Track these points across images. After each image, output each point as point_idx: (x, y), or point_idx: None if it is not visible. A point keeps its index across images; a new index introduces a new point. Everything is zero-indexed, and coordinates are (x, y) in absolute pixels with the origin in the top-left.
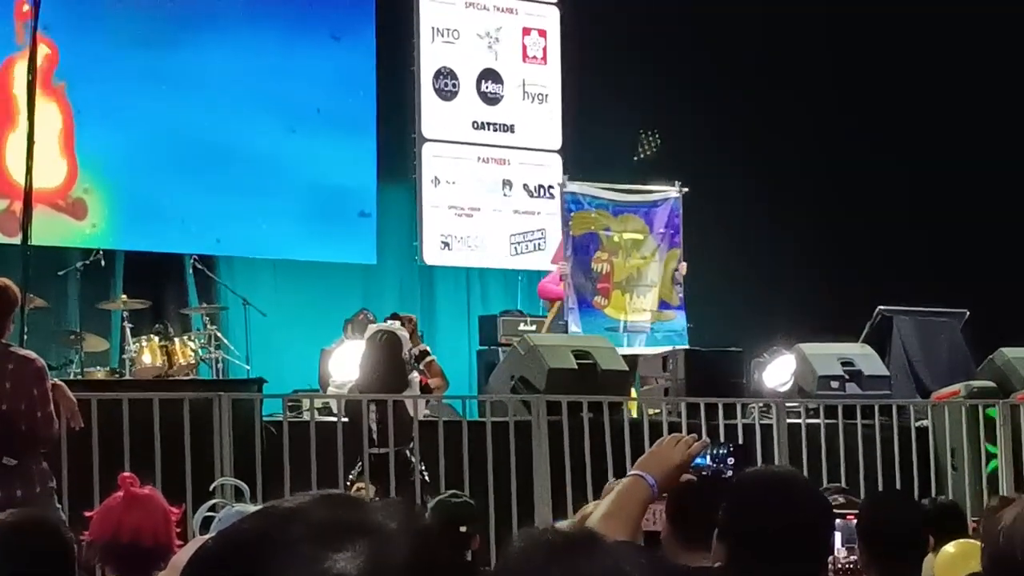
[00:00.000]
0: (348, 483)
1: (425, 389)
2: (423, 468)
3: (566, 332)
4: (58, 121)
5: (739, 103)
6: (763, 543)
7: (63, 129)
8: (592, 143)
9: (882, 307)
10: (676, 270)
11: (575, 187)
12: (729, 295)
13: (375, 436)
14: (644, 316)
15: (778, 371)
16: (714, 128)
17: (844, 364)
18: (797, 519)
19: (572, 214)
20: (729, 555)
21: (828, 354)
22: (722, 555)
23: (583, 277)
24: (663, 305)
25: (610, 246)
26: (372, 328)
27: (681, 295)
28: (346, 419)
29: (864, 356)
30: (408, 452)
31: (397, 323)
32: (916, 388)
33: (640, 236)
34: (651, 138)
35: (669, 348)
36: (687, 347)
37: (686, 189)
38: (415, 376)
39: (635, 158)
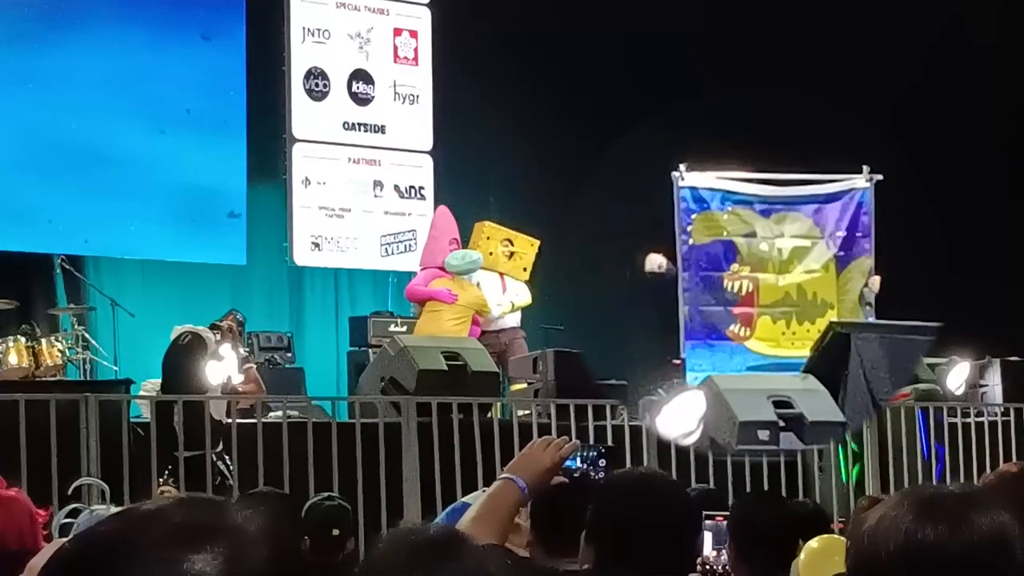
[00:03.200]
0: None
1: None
2: (231, 470)
3: (683, 366)
4: None
5: (608, 105)
6: (630, 544)
7: None
8: (464, 145)
9: (834, 321)
10: (865, 286)
11: (697, 179)
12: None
13: (180, 439)
14: None
15: (678, 414)
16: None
17: (779, 406)
18: (664, 520)
19: (693, 216)
20: (596, 557)
21: (754, 391)
22: (589, 557)
23: (710, 299)
24: None
25: (753, 257)
26: (177, 330)
27: (872, 319)
28: (156, 421)
29: (807, 393)
30: (214, 456)
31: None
32: (873, 407)
33: (806, 242)
34: None
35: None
36: (556, 348)
37: (879, 177)
38: (222, 379)
39: None
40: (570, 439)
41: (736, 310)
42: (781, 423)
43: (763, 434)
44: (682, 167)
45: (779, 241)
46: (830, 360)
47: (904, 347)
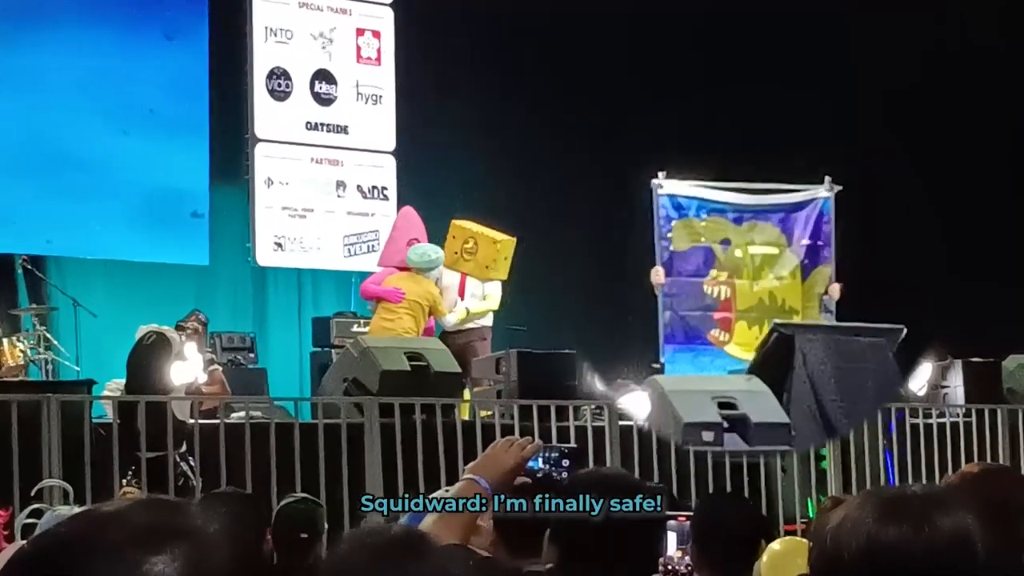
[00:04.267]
0: (121, 486)
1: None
2: (191, 471)
3: (662, 370)
4: None
5: (576, 104)
6: (593, 544)
7: None
8: (427, 146)
9: (778, 322)
10: (825, 294)
11: (675, 187)
12: None
13: (143, 439)
14: None
15: (629, 412)
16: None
17: (723, 407)
18: (627, 520)
19: (672, 223)
20: (560, 556)
21: (698, 391)
22: (553, 556)
23: (692, 305)
24: None
25: (730, 264)
26: (142, 329)
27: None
28: (119, 421)
29: (751, 394)
30: (177, 457)
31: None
32: (825, 431)
33: (774, 250)
34: None
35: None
36: (519, 349)
37: (839, 187)
38: (187, 380)
39: None
40: (533, 440)
41: (716, 315)
42: (725, 424)
43: (707, 435)
44: (661, 175)
45: (751, 248)
46: (773, 363)
47: (856, 350)
